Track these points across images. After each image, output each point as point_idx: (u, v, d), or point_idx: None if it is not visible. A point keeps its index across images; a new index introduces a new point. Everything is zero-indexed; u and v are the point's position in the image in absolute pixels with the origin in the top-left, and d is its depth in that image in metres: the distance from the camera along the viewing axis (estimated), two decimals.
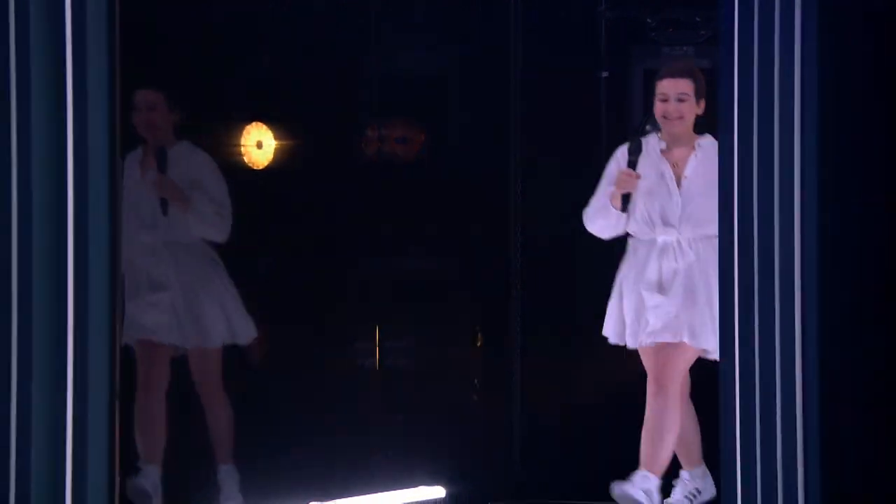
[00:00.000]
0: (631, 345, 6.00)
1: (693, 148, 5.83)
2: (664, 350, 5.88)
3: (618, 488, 5.82)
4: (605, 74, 7.13)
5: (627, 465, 6.30)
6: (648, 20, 7.31)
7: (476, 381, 7.16)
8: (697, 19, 7.15)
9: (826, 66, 5.27)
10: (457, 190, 7.02)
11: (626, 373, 6.54)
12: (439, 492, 6.68)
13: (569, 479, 6.58)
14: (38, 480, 5.50)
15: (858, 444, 5.20)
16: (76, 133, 5.32)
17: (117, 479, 5.39)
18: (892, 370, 5.17)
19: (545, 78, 7.18)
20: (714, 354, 5.73)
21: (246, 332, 6.20)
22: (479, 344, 7.19)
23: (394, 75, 7.22)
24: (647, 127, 5.93)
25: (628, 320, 6.01)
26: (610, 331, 6.00)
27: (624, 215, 5.80)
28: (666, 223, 5.85)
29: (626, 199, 5.73)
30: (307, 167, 6.89)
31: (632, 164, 5.76)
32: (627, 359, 6.38)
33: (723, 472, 5.30)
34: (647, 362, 6.00)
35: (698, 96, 5.74)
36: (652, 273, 5.95)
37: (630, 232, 5.85)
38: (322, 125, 6.92)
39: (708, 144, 5.79)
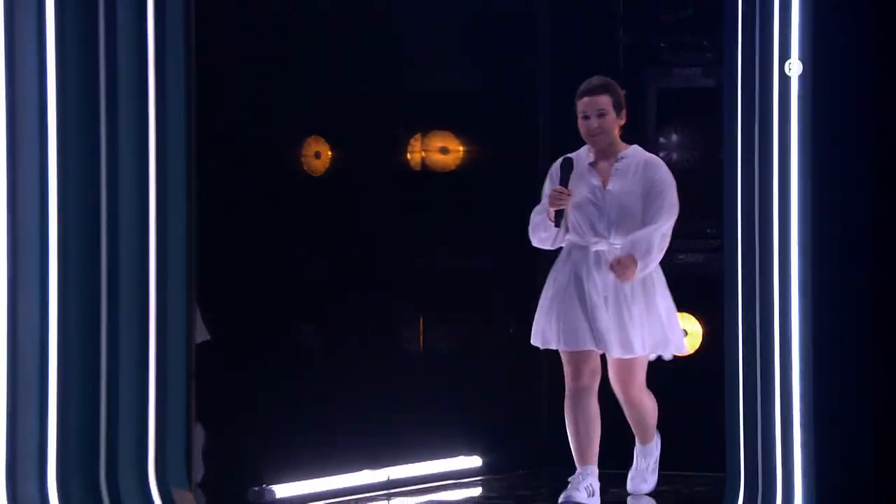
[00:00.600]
0: (562, 346, 6.02)
1: (618, 159, 6.00)
2: (618, 365, 6.02)
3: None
4: (623, 92, 7.07)
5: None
6: (661, 44, 7.52)
7: (508, 361, 7.21)
8: (704, 43, 7.27)
9: (820, 84, 5.46)
10: (491, 195, 7.24)
11: None
12: (476, 461, 7.11)
13: None
14: (125, 450, 5.71)
15: (846, 418, 5.54)
16: (158, 143, 5.74)
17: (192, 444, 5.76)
18: (871, 354, 5.59)
19: (571, 95, 7.43)
20: (665, 354, 6.03)
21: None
22: (510, 329, 7.26)
23: (436, 91, 7.36)
24: (570, 157, 5.94)
25: (559, 327, 6.03)
26: (543, 335, 6.04)
27: (560, 229, 5.93)
28: (596, 232, 5.95)
29: (559, 215, 5.82)
30: (359, 174, 7.01)
31: (564, 181, 5.85)
32: None
33: (728, 452, 5.62)
34: (587, 367, 6.01)
35: (618, 109, 5.90)
36: (590, 283, 6.03)
37: (567, 239, 6.05)
38: (372, 137, 7.08)
39: (631, 154, 5.96)
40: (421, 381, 7.32)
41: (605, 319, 5.95)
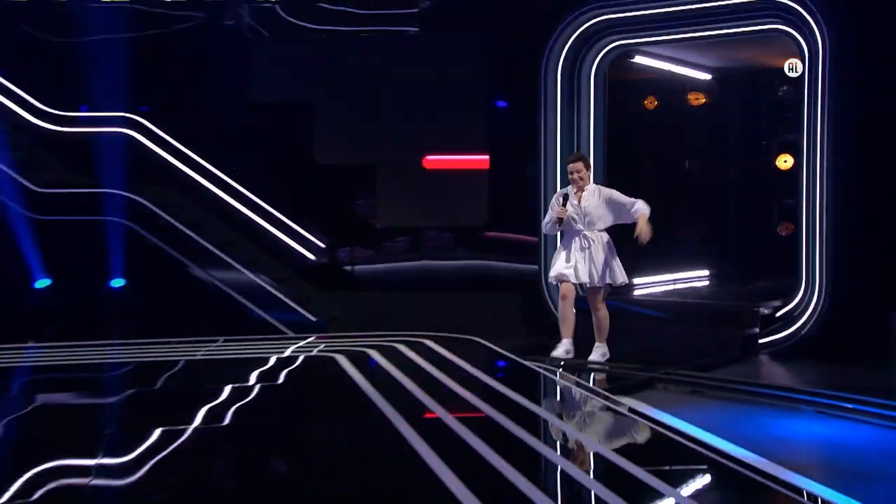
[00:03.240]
0: (555, 281, 6.40)
1: (588, 191, 6.24)
2: (590, 289, 6.34)
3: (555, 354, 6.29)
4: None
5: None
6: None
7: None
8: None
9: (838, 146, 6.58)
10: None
11: None
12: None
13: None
14: None
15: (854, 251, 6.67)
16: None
17: None
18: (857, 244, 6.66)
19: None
20: (615, 283, 6.32)
21: None
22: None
23: None
24: (566, 192, 6.24)
25: (561, 269, 6.32)
26: (553, 273, 6.37)
27: (557, 225, 6.29)
28: (578, 226, 6.28)
29: (560, 221, 6.26)
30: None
31: (563, 205, 6.19)
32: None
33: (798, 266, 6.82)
34: (567, 290, 6.33)
35: (587, 167, 6.24)
36: (575, 248, 6.29)
37: (563, 229, 6.35)
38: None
39: (592, 188, 6.25)
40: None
41: (583, 267, 6.26)
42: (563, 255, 6.28)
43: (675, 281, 8.67)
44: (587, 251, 6.19)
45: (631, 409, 4.97)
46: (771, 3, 6.97)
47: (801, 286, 6.94)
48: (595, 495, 3.41)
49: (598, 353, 6.39)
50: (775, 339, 6.99)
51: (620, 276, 6.24)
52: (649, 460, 3.84)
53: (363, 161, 9.03)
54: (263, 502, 3.31)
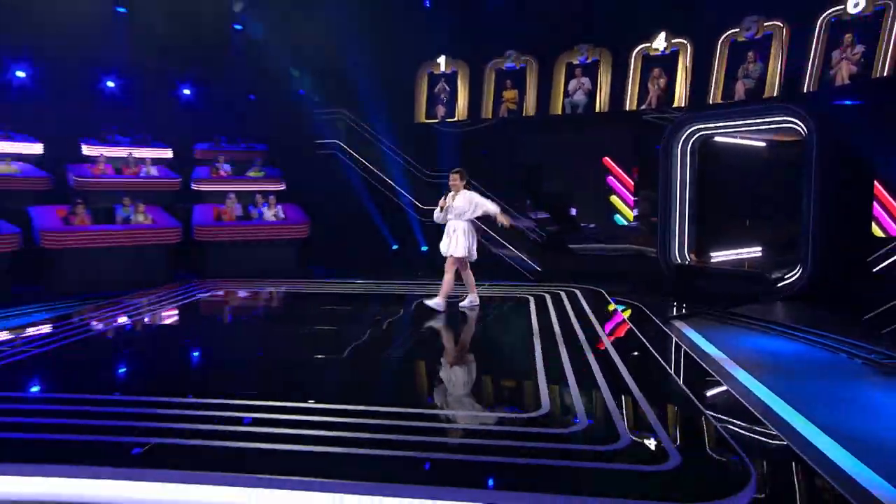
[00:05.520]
0: (445, 253, 5.50)
1: (460, 194, 5.43)
2: (451, 258, 5.50)
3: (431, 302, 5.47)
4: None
5: None
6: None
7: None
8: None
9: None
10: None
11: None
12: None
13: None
14: None
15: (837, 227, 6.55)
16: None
17: None
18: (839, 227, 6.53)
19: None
20: (470, 258, 5.42)
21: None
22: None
23: None
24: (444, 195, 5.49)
25: (445, 245, 5.51)
26: (442, 248, 5.53)
27: (443, 215, 5.46)
28: (449, 216, 5.47)
29: (443, 210, 5.43)
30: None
31: (445, 197, 5.41)
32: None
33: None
34: (451, 262, 5.48)
35: (463, 180, 5.33)
36: (447, 232, 5.52)
37: (446, 219, 5.49)
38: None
39: (464, 193, 5.42)
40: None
41: (450, 244, 5.49)
42: (444, 236, 5.67)
43: (737, 254, 8.34)
44: (454, 234, 5.54)
45: (678, 330, 5.07)
46: (786, 111, 7.07)
47: (800, 261, 6.79)
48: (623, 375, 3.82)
49: (433, 301, 5.59)
50: (779, 291, 6.88)
51: (472, 255, 5.58)
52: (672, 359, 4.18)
53: (567, 189, 9.87)
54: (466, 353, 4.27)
